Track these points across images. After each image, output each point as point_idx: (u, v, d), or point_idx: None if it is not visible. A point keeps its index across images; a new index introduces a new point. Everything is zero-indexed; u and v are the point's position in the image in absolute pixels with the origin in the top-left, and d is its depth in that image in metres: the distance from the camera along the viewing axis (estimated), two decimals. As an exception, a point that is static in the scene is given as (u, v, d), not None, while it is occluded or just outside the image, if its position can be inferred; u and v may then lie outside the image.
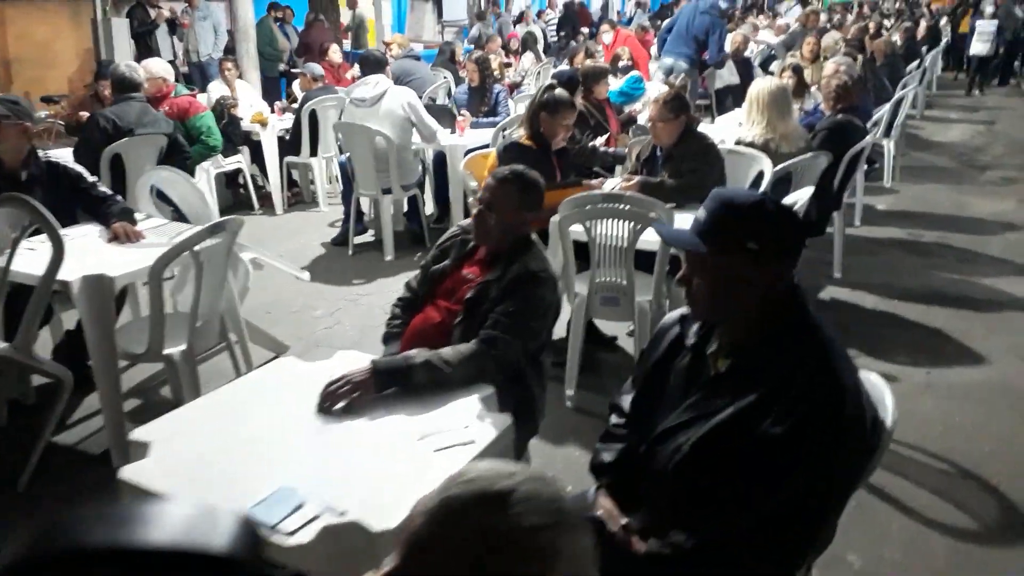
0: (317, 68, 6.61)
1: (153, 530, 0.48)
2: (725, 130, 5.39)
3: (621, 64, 6.96)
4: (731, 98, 7.74)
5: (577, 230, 3.32)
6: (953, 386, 3.68)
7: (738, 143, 4.49)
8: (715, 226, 1.55)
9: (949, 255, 5.58)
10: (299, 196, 6.89)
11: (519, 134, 3.85)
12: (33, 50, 10.22)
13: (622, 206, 3.12)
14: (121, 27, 8.75)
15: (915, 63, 10.09)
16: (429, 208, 6.17)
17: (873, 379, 1.73)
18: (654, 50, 9.79)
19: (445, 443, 1.74)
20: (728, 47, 8.15)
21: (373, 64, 5.56)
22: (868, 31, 9.89)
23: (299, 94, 6.97)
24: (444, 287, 2.38)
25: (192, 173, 5.58)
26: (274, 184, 6.53)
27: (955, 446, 3.16)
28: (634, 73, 7.02)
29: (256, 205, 6.58)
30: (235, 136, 6.38)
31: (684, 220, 3.61)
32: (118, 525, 0.49)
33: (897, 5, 24.51)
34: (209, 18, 9.59)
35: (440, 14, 18.17)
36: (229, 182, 6.72)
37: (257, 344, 3.86)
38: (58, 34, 10.54)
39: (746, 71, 8.04)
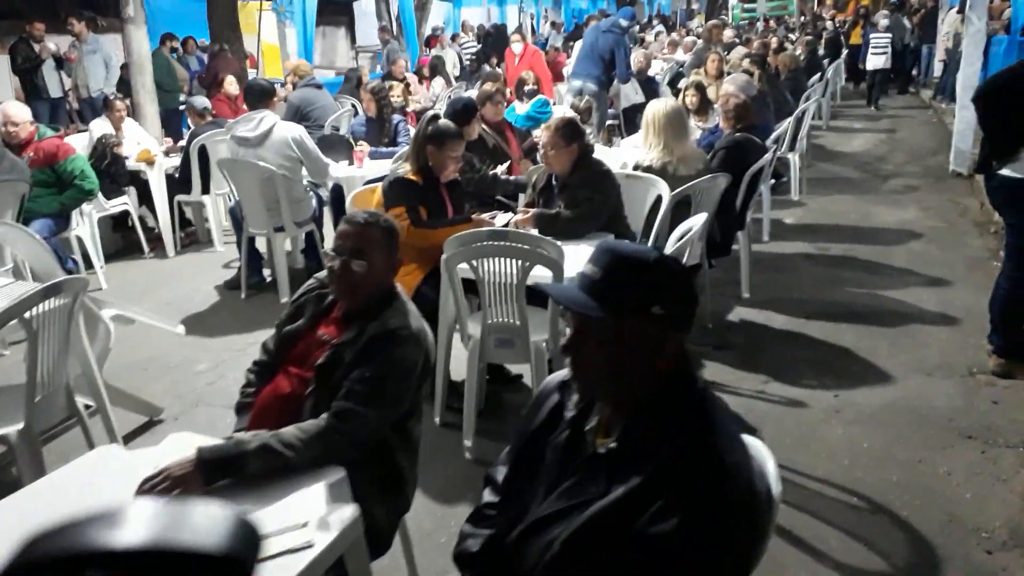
0: (201, 101, 6.27)
1: (147, 530, 0.47)
2: (629, 154, 5.29)
3: (527, 88, 6.83)
4: (639, 116, 7.69)
5: (466, 269, 3.12)
6: (860, 409, 3.60)
7: (636, 168, 4.38)
8: (615, 287, 1.35)
9: (856, 268, 5.58)
10: (193, 236, 6.53)
11: (404, 168, 3.64)
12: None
13: (508, 243, 2.93)
14: (1, 64, 8.22)
15: (818, 75, 10.32)
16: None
17: (756, 444, 1.56)
18: (567, 70, 9.72)
19: (273, 550, 1.50)
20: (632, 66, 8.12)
21: (258, 95, 5.28)
22: (770, 46, 10.05)
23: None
24: (297, 351, 2.13)
25: (67, 219, 5.23)
26: (164, 225, 6.16)
27: (863, 476, 3.05)
28: (540, 97, 6.90)
29: (146, 248, 6.19)
30: (119, 176, 6.00)
31: (581, 252, 3.46)
32: (111, 526, 0.47)
33: (802, 19, 25.38)
34: (99, 51, 9.13)
35: (353, 40, 17.95)
36: (117, 225, 6.31)
37: (126, 409, 3.55)
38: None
39: (650, 89, 8.02)
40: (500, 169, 4.90)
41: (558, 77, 11.32)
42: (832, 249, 5.99)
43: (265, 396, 2.11)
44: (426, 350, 2.07)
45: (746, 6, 27.94)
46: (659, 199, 4.10)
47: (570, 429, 1.46)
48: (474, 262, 2.98)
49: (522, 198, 4.84)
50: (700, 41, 10.34)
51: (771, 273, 5.45)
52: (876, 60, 13.14)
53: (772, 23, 24.57)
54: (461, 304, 3.20)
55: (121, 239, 6.41)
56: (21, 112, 5.09)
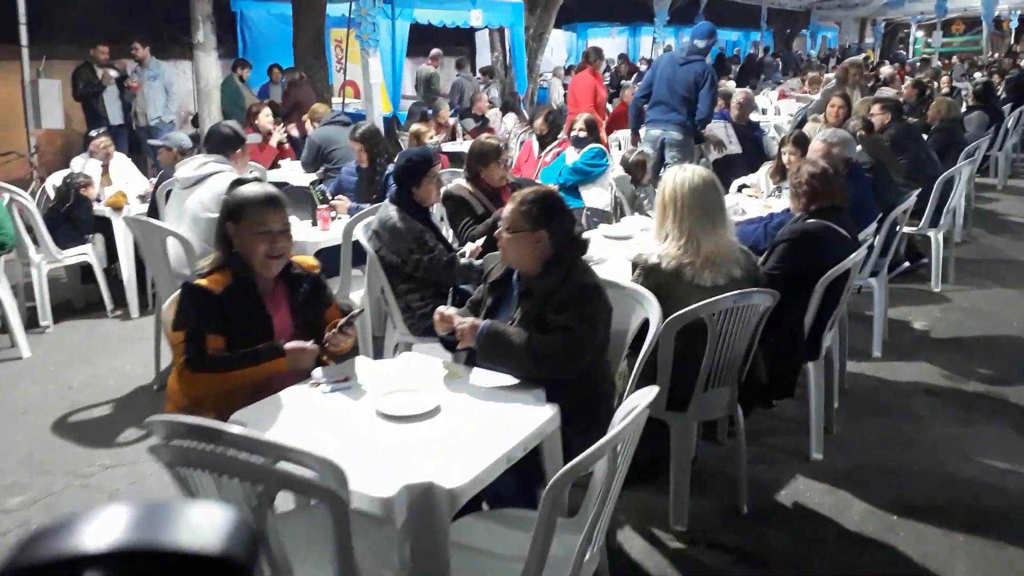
0: (178, 138, 5.33)
1: (144, 532, 0.45)
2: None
3: (574, 134, 5.46)
4: (731, 172, 6.08)
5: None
6: None
7: (635, 267, 2.91)
8: None
9: (1004, 418, 3.77)
10: (171, 293, 5.59)
11: (203, 267, 2.39)
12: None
13: (224, 452, 1.60)
14: (51, 89, 7.85)
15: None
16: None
17: None
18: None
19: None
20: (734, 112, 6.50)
21: (217, 143, 4.25)
22: (928, 88, 8.07)
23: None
24: None
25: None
26: (128, 280, 5.25)
27: None
28: (594, 146, 5.50)
29: (109, 307, 5.31)
30: (82, 222, 5.19)
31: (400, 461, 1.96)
32: (101, 527, 0.45)
33: (993, 56, 22.13)
34: (159, 78, 8.62)
35: (473, 70, 17.16)
36: (87, 277, 5.49)
37: None
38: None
39: (751, 139, 6.37)
40: (469, 248, 3.57)
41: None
42: (972, 381, 4.16)
43: None
44: None
45: (930, 40, 24.91)
46: (647, 323, 2.62)
47: None
48: (180, 471, 1.67)
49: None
50: (834, 79, 8.51)
51: (866, 419, 3.75)
52: None
53: (955, 60, 21.60)
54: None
55: (97, 292, 5.57)
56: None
